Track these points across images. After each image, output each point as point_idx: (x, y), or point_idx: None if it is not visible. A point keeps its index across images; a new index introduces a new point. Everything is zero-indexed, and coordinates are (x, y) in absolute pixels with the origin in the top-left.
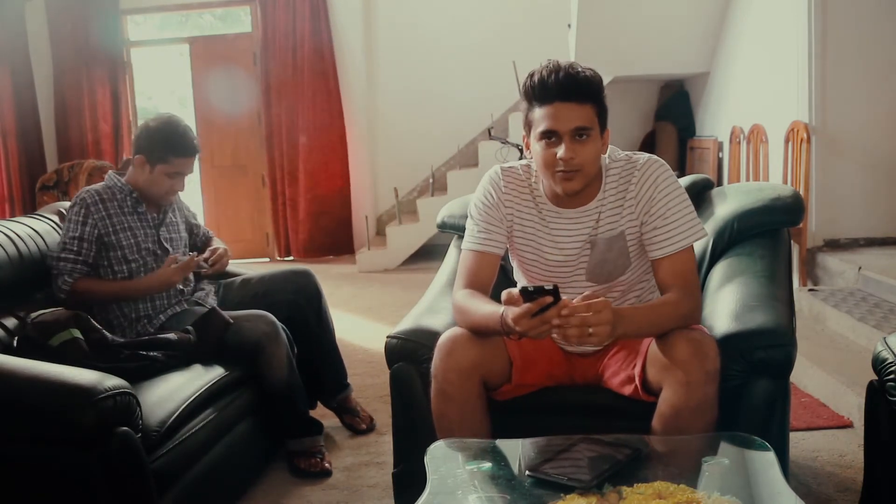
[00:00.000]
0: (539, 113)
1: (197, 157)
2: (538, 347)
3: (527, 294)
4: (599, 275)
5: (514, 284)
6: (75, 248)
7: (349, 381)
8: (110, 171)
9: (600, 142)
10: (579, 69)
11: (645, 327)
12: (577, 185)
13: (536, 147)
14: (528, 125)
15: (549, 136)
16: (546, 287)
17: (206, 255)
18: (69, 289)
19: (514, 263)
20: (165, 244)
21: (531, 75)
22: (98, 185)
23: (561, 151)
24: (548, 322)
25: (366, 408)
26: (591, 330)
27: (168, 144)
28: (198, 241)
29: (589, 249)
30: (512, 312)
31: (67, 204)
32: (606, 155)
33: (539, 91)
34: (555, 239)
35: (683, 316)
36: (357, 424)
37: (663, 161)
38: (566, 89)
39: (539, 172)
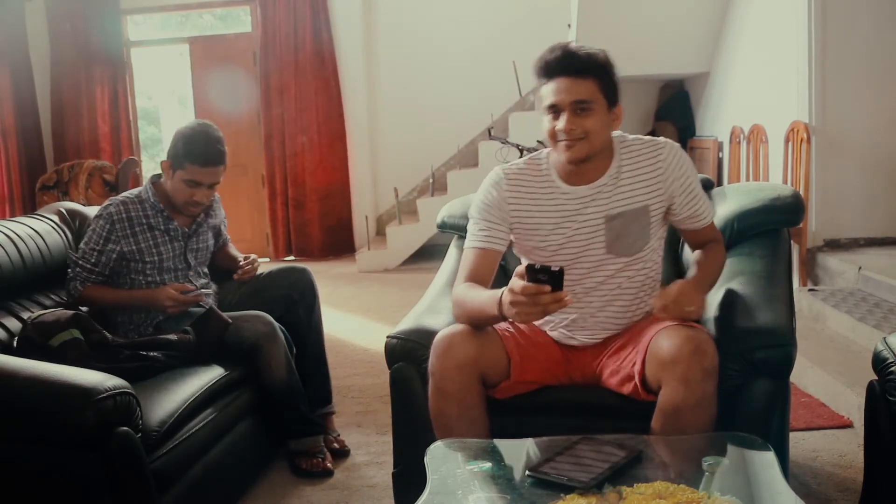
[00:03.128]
0: (545, 89)
1: (220, 169)
2: (536, 344)
3: (532, 272)
4: (620, 248)
5: None
6: (92, 260)
7: (350, 380)
8: (147, 181)
9: (608, 116)
10: (581, 47)
11: (711, 286)
12: (579, 153)
13: (544, 121)
14: (540, 103)
15: (553, 109)
16: (553, 269)
17: (241, 261)
18: (78, 295)
19: (521, 256)
20: (190, 258)
21: (540, 55)
22: (130, 196)
23: (561, 123)
24: (540, 306)
25: (366, 407)
26: (690, 308)
27: (184, 150)
28: (216, 248)
29: (605, 223)
30: (512, 284)
31: (68, 204)
32: (618, 133)
33: (543, 68)
34: (568, 217)
35: (724, 259)
36: (328, 444)
37: (668, 140)
38: (565, 64)
39: (549, 148)
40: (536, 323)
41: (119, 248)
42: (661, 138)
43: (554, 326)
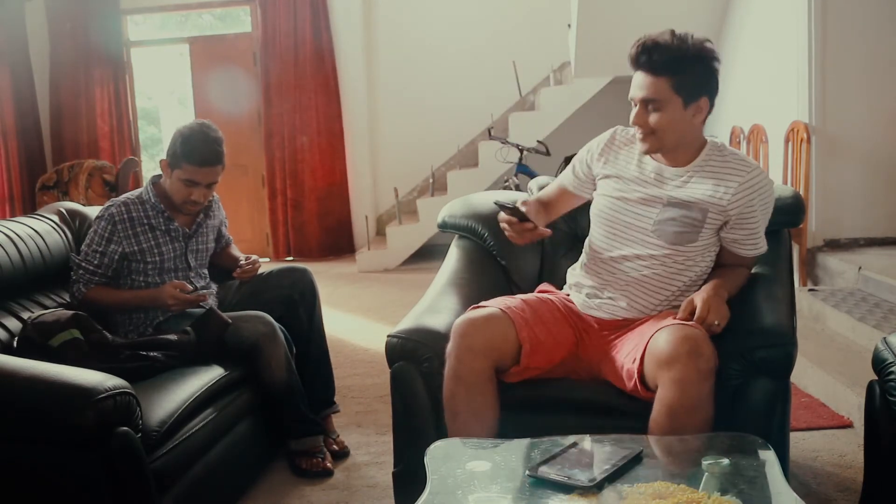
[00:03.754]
0: (633, 79)
1: (218, 168)
2: (548, 332)
3: (499, 206)
4: (664, 231)
5: (513, 283)
6: (95, 262)
7: (350, 380)
8: (147, 182)
9: (683, 112)
10: (666, 40)
11: (730, 293)
12: (649, 148)
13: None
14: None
15: (632, 100)
16: (508, 205)
17: (242, 261)
18: (81, 297)
19: (595, 211)
20: (190, 258)
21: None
22: (131, 197)
23: (631, 116)
24: (516, 232)
25: (366, 407)
26: (717, 322)
27: (182, 150)
28: (218, 249)
29: (664, 204)
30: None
31: (68, 204)
32: (719, 141)
33: (629, 59)
34: (638, 182)
35: (746, 281)
36: (328, 445)
37: (765, 172)
38: (641, 61)
39: None
40: (572, 284)
41: (121, 249)
42: (759, 166)
43: (581, 288)
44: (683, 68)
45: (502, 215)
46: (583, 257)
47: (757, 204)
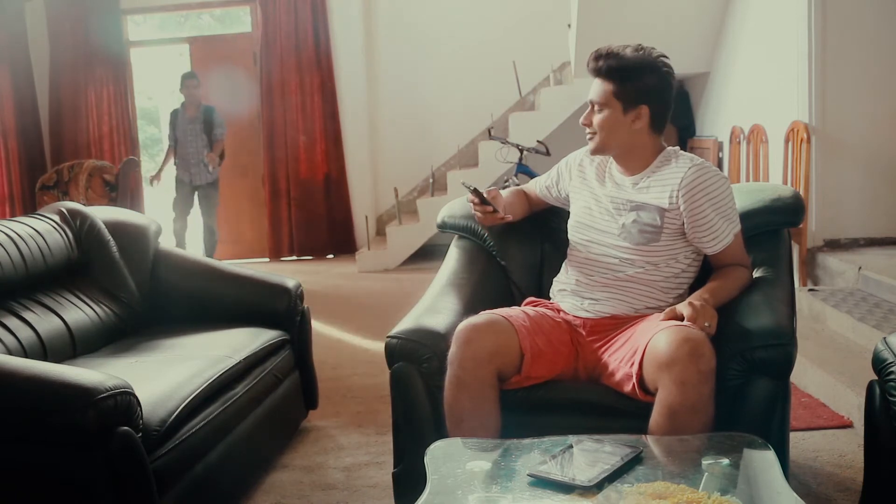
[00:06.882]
0: None
1: None
2: (548, 342)
3: (466, 186)
4: (627, 232)
5: (512, 283)
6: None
7: (350, 380)
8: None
9: (621, 117)
10: (616, 50)
11: (723, 300)
12: (593, 146)
13: None
14: None
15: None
16: (471, 187)
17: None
18: None
19: (571, 222)
20: None
21: None
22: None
23: (582, 117)
24: (480, 213)
25: (366, 407)
26: (707, 324)
27: None
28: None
29: (628, 208)
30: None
31: (69, 204)
32: (672, 147)
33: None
34: (602, 190)
35: (746, 282)
36: None
37: (709, 166)
38: (591, 66)
39: None
40: (557, 291)
41: None
42: (701, 163)
43: (566, 294)
44: (624, 76)
45: (468, 195)
46: (564, 265)
47: (701, 199)
